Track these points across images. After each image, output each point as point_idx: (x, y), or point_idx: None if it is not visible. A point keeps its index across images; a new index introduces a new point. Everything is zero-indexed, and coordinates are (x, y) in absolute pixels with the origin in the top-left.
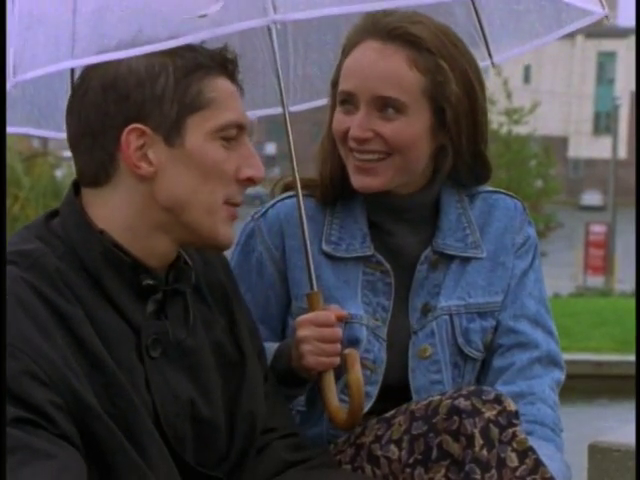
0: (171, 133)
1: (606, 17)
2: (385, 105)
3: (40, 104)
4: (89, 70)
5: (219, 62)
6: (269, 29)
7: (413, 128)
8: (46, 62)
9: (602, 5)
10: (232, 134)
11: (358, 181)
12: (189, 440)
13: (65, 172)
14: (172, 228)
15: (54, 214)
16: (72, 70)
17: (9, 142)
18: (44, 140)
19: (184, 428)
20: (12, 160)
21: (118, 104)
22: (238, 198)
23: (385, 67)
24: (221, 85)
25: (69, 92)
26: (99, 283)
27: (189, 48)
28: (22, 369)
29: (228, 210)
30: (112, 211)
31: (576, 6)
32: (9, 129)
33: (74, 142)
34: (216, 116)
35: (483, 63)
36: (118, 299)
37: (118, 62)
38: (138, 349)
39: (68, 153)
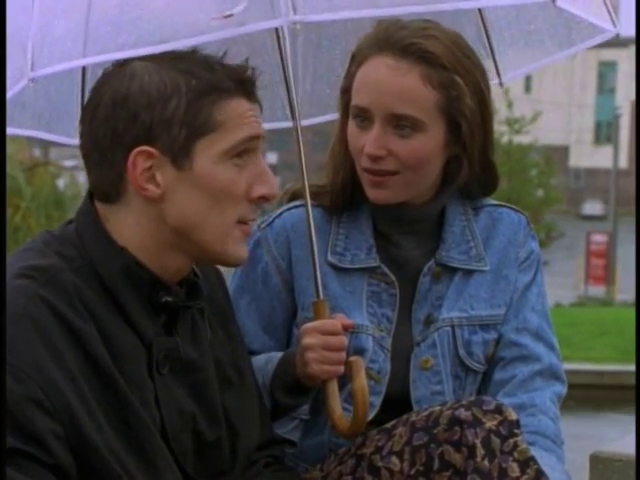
0: (179, 156)
1: (617, 35)
2: (400, 121)
3: (51, 108)
4: (103, 82)
5: (236, 81)
6: (279, 44)
7: (428, 145)
8: (64, 58)
9: (613, 22)
10: (241, 150)
11: (372, 193)
12: (190, 454)
13: (67, 182)
14: (184, 247)
15: (70, 223)
16: (83, 75)
17: (10, 151)
18: (45, 149)
19: (187, 442)
20: (13, 170)
21: (127, 123)
22: (251, 216)
23: (400, 84)
24: (234, 106)
25: (79, 97)
26: (115, 298)
27: (207, 67)
28: (28, 396)
29: (241, 229)
30: (127, 229)
31: (587, 23)
32: (19, 131)
33: (85, 154)
34: (225, 138)
35: (490, 82)
36: (132, 315)
37: (131, 78)
38: (149, 365)
39: (69, 162)
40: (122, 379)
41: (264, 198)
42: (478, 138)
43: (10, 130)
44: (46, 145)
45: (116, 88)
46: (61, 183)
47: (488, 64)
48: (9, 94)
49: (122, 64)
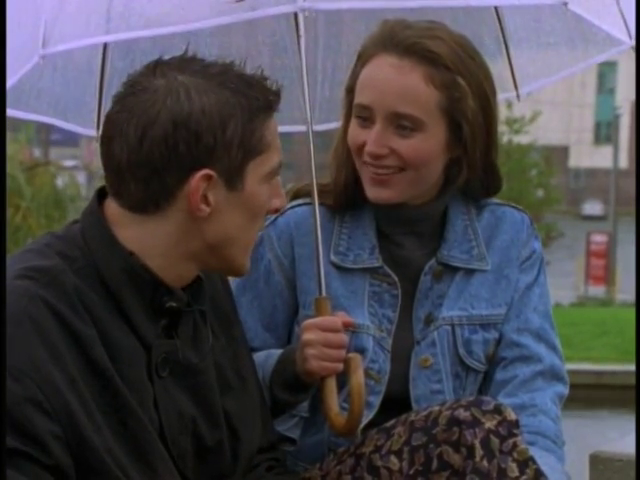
0: (233, 178)
1: (632, 47)
2: (401, 121)
3: (67, 97)
4: (157, 97)
5: (272, 99)
6: (299, 46)
7: (429, 144)
8: (76, 37)
9: (629, 34)
10: (279, 173)
11: (372, 192)
12: (190, 457)
13: (67, 182)
14: (205, 258)
15: (75, 223)
16: (102, 66)
17: (10, 151)
18: (45, 149)
19: (186, 445)
20: (13, 170)
21: (189, 145)
22: (263, 226)
23: (402, 83)
24: (273, 124)
25: (98, 88)
26: (117, 300)
27: (246, 83)
28: (26, 396)
29: (255, 239)
30: (148, 237)
31: (604, 35)
32: (35, 116)
33: (126, 166)
34: (271, 159)
35: (508, 95)
36: (133, 317)
37: (188, 98)
38: (148, 368)
39: (70, 162)
40: (121, 381)
41: (277, 210)
42: (480, 140)
43: (25, 115)
44: (46, 145)
45: (175, 108)
46: (61, 183)
47: (506, 76)
48: (20, 73)
49: (161, 76)
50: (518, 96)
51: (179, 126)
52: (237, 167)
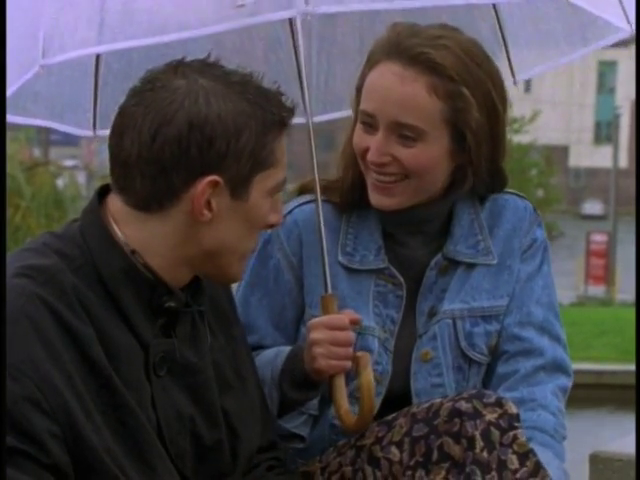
0: (239, 187)
1: (632, 35)
2: (403, 130)
3: (63, 99)
4: (176, 96)
5: (286, 116)
6: (293, 40)
7: (431, 154)
8: (75, 47)
9: (628, 21)
10: (282, 189)
11: (375, 199)
12: (189, 457)
13: (67, 182)
14: (200, 264)
15: (75, 221)
16: (97, 67)
17: (10, 151)
18: (45, 149)
19: (185, 445)
20: (13, 170)
21: (201, 149)
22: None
23: (405, 93)
24: (283, 142)
25: (92, 89)
26: (115, 299)
27: (264, 96)
28: (25, 395)
29: (251, 251)
30: (148, 236)
31: (602, 22)
32: (32, 121)
33: (134, 160)
34: (277, 174)
35: (505, 82)
36: (131, 316)
37: (207, 102)
38: (146, 367)
39: (70, 162)
40: (119, 380)
41: (274, 226)
42: (485, 148)
43: (24, 120)
44: (46, 145)
45: (193, 110)
46: (61, 183)
47: (502, 64)
48: (20, 82)
49: (182, 77)
50: (515, 83)
51: (194, 129)
52: (244, 177)
